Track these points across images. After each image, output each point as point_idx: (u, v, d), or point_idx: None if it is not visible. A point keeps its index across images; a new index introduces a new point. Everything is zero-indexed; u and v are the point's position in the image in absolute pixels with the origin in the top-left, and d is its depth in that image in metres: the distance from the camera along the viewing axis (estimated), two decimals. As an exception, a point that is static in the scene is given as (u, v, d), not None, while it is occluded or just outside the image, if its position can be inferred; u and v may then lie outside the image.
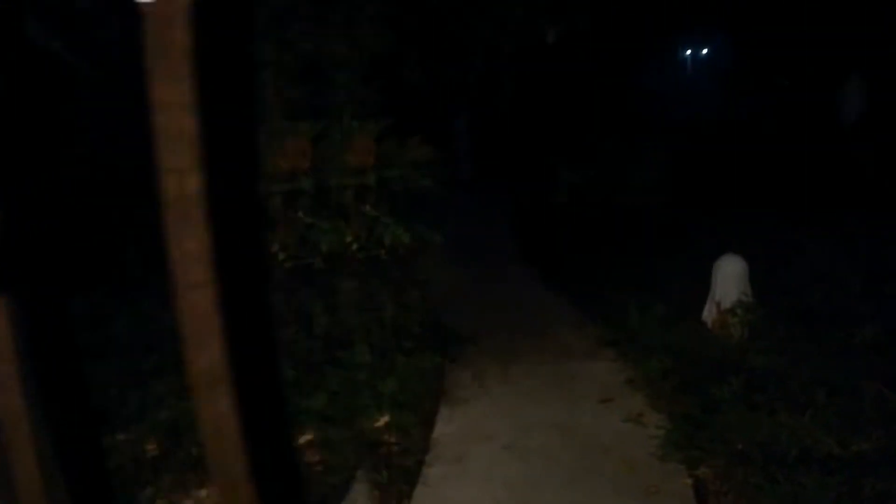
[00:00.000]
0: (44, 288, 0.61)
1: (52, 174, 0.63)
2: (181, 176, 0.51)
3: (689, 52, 18.01)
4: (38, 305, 0.61)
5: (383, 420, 4.39)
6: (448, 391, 5.14)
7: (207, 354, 0.54)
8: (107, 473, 0.69)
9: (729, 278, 5.61)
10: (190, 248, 0.53)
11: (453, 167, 14.00)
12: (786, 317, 5.57)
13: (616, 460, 4.15)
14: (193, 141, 0.50)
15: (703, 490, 3.88)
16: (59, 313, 0.64)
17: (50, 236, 0.62)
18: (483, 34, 8.78)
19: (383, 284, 4.91)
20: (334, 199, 4.68)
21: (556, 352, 5.87)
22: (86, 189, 6.83)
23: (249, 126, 0.55)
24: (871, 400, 4.20)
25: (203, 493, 3.70)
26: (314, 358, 4.71)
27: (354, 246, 4.68)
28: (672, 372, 5.00)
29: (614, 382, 5.21)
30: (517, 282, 8.30)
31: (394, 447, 4.16)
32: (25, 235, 0.60)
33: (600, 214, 9.41)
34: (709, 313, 5.68)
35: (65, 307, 0.64)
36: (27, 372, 0.58)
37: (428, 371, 5.00)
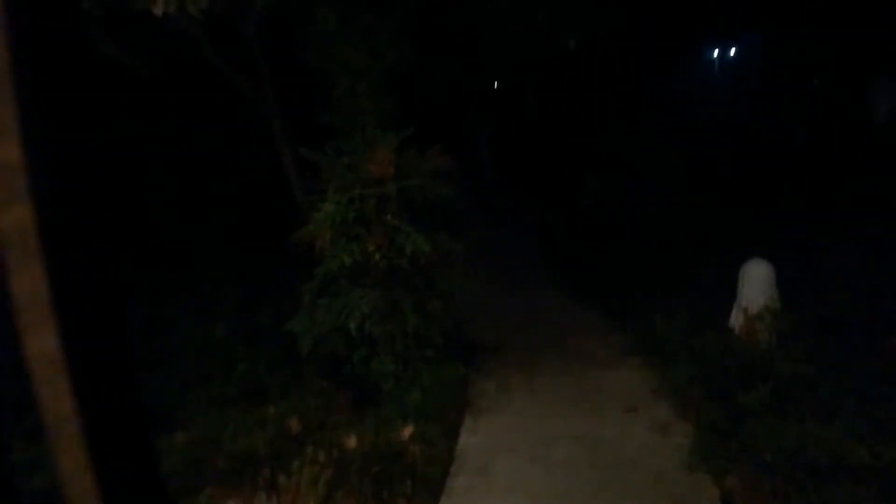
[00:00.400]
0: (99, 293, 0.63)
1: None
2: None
3: (716, 52, 17.77)
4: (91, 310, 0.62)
5: (408, 430, 4.41)
6: (472, 401, 5.15)
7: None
8: (160, 475, 0.70)
9: (756, 283, 5.52)
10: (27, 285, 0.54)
11: (476, 176, 14.04)
12: (815, 323, 5.46)
13: (642, 471, 4.11)
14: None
15: (730, 501, 3.83)
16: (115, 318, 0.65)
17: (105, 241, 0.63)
18: (505, 46, 8.80)
19: (406, 294, 4.93)
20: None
21: (581, 361, 5.85)
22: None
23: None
24: (903, 408, 4.10)
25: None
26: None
27: (377, 255, 4.71)
28: (698, 380, 4.94)
29: (640, 391, 5.17)
30: (540, 290, 8.28)
31: (419, 458, 4.17)
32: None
33: (625, 220, 9.33)
34: (736, 320, 5.59)
35: (122, 315, 0.65)
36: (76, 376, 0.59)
37: (451, 381, 5.01)
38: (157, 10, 4.30)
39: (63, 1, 0.58)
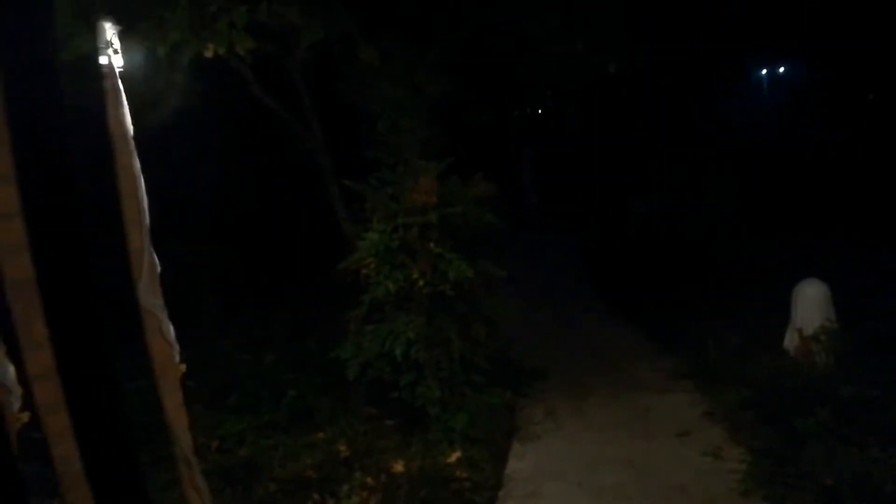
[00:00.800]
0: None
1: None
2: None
3: (763, 71, 17.48)
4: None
5: (455, 455, 4.40)
6: (520, 427, 5.11)
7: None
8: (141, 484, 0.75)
9: (811, 303, 5.36)
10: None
11: (520, 202, 14.07)
12: (876, 344, 5.25)
13: (694, 497, 4.00)
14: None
15: (789, 528, 3.69)
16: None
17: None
18: (546, 72, 8.89)
19: (451, 320, 4.96)
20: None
21: (630, 385, 5.75)
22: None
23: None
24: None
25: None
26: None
27: (420, 282, 4.77)
28: (752, 403, 4.81)
29: (691, 415, 5.05)
30: (588, 314, 8.20)
31: (466, 483, 4.16)
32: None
33: (672, 244, 9.20)
34: (790, 341, 5.43)
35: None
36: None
37: (498, 406, 4.99)
38: (208, 53, 4.52)
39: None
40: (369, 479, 4.08)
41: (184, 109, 7.18)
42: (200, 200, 8.11)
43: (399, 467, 4.19)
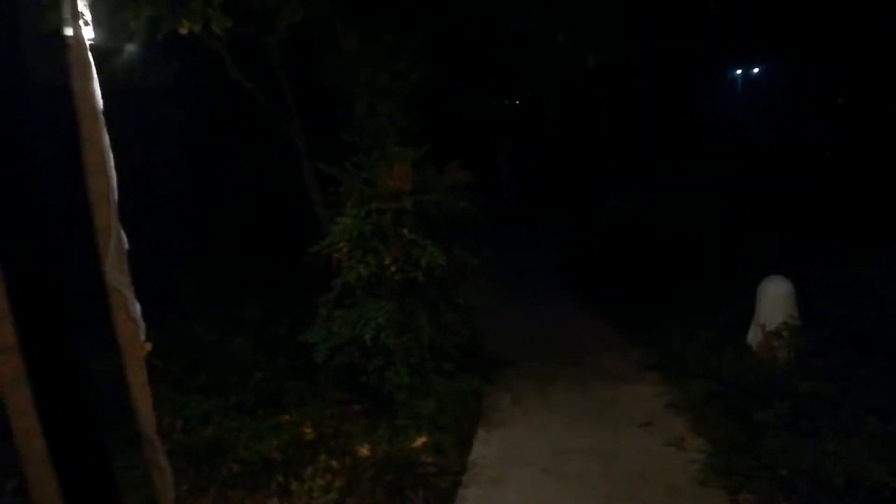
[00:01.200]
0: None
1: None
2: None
3: (739, 71, 17.69)
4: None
5: (421, 441, 4.44)
6: (486, 414, 5.16)
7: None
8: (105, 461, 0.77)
9: (774, 300, 5.47)
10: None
11: (496, 192, 14.12)
12: (836, 342, 5.39)
13: (655, 485, 4.08)
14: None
15: (744, 517, 3.79)
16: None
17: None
18: (526, 64, 8.89)
19: (422, 307, 4.98)
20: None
21: (598, 375, 5.83)
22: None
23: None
24: (925, 427, 4.02)
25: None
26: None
27: (392, 268, 4.78)
28: (715, 396, 4.91)
29: (656, 406, 5.14)
30: (559, 306, 8.28)
31: (430, 467, 4.19)
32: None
33: (646, 240, 9.31)
34: (753, 336, 5.54)
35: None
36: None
37: (466, 393, 5.03)
38: (183, 30, 4.46)
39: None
40: (334, 462, 4.09)
41: (158, 88, 7.09)
42: (173, 181, 8.01)
43: (365, 451, 4.22)
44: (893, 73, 10.83)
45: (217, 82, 6.78)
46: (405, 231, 4.85)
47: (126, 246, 2.80)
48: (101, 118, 2.71)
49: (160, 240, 6.87)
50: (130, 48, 5.16)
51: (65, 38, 2.56)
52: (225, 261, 7.60)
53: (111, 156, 2.74)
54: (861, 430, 4.14)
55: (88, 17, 2.67)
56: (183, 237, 7.62)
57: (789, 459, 3.98)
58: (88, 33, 2.66)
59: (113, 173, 2.74)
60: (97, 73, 2.67)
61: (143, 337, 2.82)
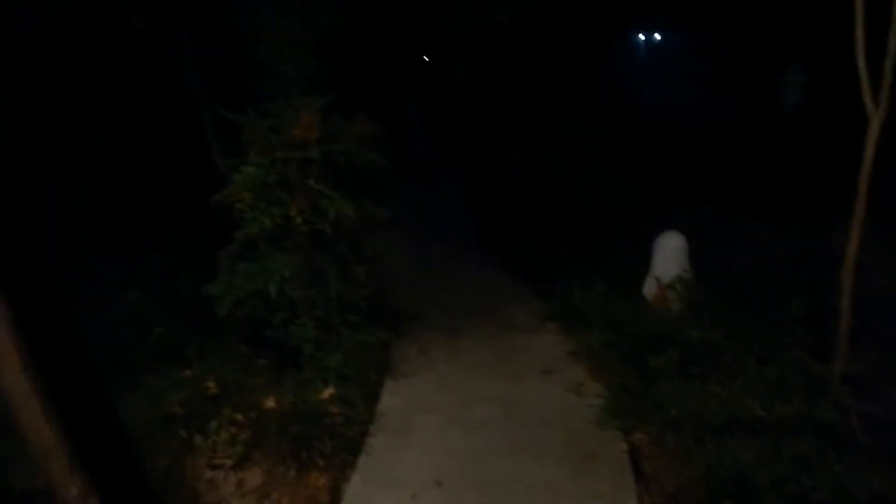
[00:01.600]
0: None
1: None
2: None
3: (642, 37, 18.16)
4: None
5: (328, 392, 4.41)
6: (394, 365, 5.20)
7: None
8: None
9: (669, 254, 5.76)
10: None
11: (407, 147, 14.02)
12: (723, 293, 5.75)
13: (556, 429, 4.27)
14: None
15: (637, 455, 4.03)
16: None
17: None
18: (436, 18, 8.77)
19: (329, 259, 4.90)
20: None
21: (502, 326, 5.98)
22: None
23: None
24: (795, 369, 4.39)
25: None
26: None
27: (298, 219, 4.65)
28: (612, 344, 5.15)
29: (557, 355, 5.34)
30: (467, 261, 8.39)
31: (338, 418, 4.19)
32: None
33: (550, 197, 9.52)
34: (649, 288, 5.83)
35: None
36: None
37: (373, 345, 5.03)
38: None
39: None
40: (239, 416, 4.01)
41: (44, 28, 6.49)
42: (65, 129, 7.42)
43: (270, 403, 4.15)
44: (776, 49, 11.44)
45: (108, 23, 6.31)
46: (312, 181, 4.72)
47: None
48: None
49: (48, 192, 6.40)
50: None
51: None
52: (122, 214, 7.17)
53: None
54: (741, 373, 4.47)
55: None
56: (73, 190, 7.10)
57: (679, 401, 4.26)
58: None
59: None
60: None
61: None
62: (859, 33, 4.07)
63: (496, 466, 3.89)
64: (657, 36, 16.95)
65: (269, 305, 4.74)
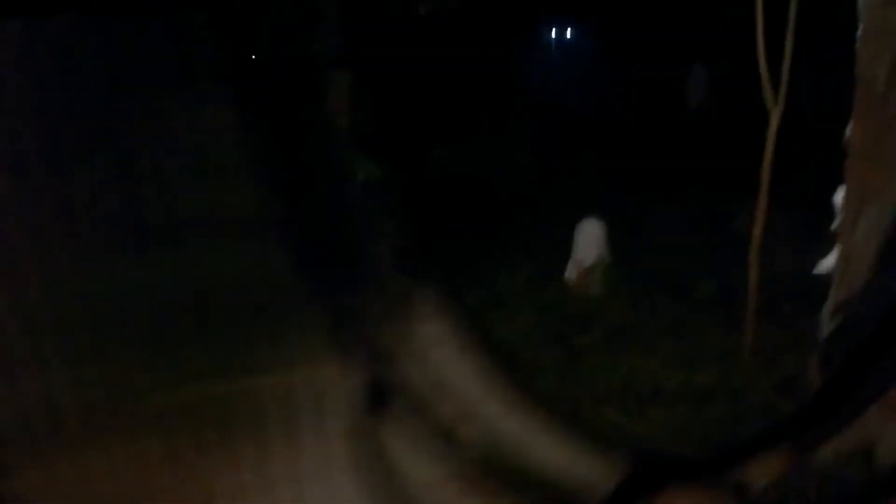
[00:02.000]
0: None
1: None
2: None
3: (553, 32, 18.57)
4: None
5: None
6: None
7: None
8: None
9: (589, 240, 6.02)
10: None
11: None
12: (640, 275, 6.05)
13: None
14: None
15: (566, 428, 4.20)
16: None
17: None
18: (356, 10, 8.69)
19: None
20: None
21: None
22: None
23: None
24: (709, 342, 4.72)
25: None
26: None
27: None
28: (538, 326, 5.32)
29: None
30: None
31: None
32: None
33: (472, 189, 9.64)
34: (571, 272, 6.07)
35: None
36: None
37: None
38: None
39: None
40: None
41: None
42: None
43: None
44: (680, 47, 12.02)
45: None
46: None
47: None
48: None
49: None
50: None
51: None
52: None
53: None
54: (661, 348, 4.75)
55: None
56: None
57: (603, 376, 4.48)
58: None
59: None
60: None
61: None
62: (760, 36, 4.44)
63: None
64: (569, 34, 17.45)
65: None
